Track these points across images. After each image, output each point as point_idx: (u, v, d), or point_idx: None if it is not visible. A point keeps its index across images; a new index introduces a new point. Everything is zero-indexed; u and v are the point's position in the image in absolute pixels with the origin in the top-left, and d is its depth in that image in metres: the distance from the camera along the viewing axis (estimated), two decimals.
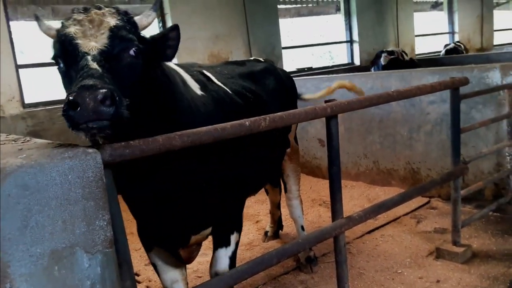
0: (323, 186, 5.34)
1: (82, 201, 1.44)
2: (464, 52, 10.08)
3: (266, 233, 4.16)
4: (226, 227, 2.50)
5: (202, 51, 6.51)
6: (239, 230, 2.58)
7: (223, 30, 6.75)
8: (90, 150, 1.48)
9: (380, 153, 5.17)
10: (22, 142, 1.81)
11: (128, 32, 1.81)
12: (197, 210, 2.27)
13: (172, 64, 2.67)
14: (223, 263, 2.49)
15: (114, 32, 1.76)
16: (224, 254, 2.50)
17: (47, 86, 6.75)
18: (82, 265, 1.45)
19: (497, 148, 3.90)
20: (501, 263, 3.31)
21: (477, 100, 4.15)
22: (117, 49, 1.74)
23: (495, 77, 4.08)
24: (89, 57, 1.64)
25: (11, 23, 5.15)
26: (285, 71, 3.92)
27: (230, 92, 2.63)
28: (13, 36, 4.98)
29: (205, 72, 2.67)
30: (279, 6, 7.85)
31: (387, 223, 4.21)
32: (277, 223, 4.18)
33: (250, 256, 3.73)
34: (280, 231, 4.21)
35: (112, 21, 1.80)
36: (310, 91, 5.08)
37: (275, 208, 4.14)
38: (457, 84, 3.12)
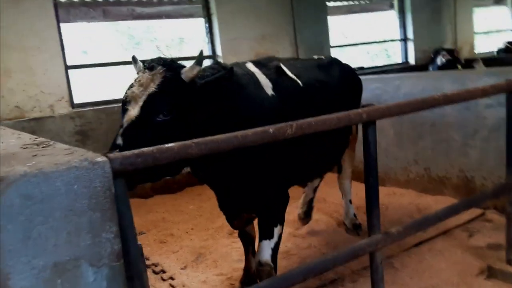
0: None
1: (88, 212, 1.38)
2: None
3: (298, 215, 4.33)
4: (270, 220, 2.82)
5: (247, 52, 6.42)
6: (282, 223, 2.88)
7: (270, 30, 6.64)
8: (99, 159, 1.42)
9: (432, 159, 4.85)
10: (43, 147, 1.79)
11: (164, 97, 2.21)
12: (242, 195, 2.80)
13: (249, 64, 3.11)
14: (266, 253, 2.78)
15: (149, 99, 2.20)
16: (267, 246, 2.79)
17: (95, 86, 6.96)
18: (87, 279, 1.39)
19: None
20: None
21: None
22: (148, 115, 2.19)
23: None
24: (124, 121, 2.22)
25: (63, 24, 5.30)
26: (349, 65, 4.13)
27: (301, 84, 3.11)
28: (63, 37, 5.12)
29: (281, 66, 3.11)
30: (328, 4, 7.61)
31: (437, 236, 3.93)
32: (308, 204, 4.32)
33: (286, 265, 3.59)
34: (311, 213, 4.35)
35: (153, 86, 2.23)
36: None
37: (312, 191, 4.34)
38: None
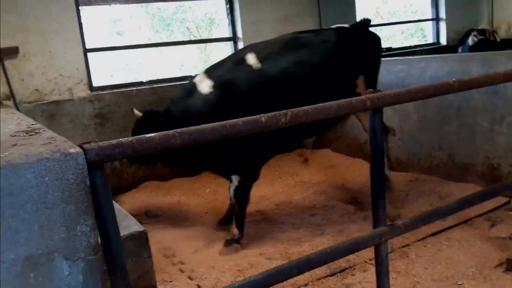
0: (392, 178, 4.92)
1: (61, 205, 1.35)
2: None
3: None
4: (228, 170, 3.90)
5: (270, 34, 6.23)
6: (239, 174, 3.85)
7: (293, 11, 6.43)
8: (72, 150, 1.37)
9: (456, 145, 4.64)
10: (30, 135, 1.77)
11: None
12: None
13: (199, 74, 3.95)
14: (230, 192, 3.90)
15: None
16: (231, 187, 3.89)
17: (114, 69, 7.01)
18: (62, 273, 1.37)
19: None
20: None
21: None
22: None
23: None
24: None
25: (84, 7, 5.30)
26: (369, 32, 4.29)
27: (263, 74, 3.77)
28: (82, 21, 5.12)
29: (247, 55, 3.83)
30: None
31: (456, 225, 3.77)
32: None
33: (297, 251, 3.54)
34: None
35: None
36: (381, 74, 4.69)
37: None
38: None
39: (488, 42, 7.15)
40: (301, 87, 3.81)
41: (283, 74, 3.80)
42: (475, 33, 7.34)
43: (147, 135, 1.51)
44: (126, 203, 4.97)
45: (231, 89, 3.77)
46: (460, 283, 2.92)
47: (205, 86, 3.83)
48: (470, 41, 7.28)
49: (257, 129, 1.71)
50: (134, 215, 4.54)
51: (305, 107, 1.85)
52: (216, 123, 1.64)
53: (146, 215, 4.63)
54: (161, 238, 4.03)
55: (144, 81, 5.67)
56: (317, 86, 3.85)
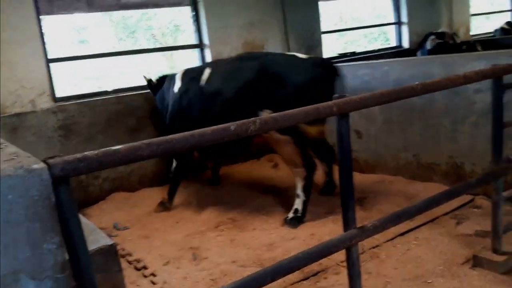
0: (360, 180, 5.02)
1: (26, 223, 1.30)
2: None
3: None
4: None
5: (236, 40, 6.29)
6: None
7: (258, 17, 6.47)
8: (36, 166, 1.33)
9: (421, 146, 4.77)
10: None
11: None
12: None
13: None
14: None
15: None
16: None
17: (78, 79, 6.86)
18: None
19: None
20: None
21: None
22: None
23: None
24: None
25: (44, 16, 5.18)
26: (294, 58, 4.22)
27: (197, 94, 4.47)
28: (43, 30, 4.99)
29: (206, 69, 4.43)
30: None
31: (423, 224, 3.86)
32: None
33: (270, 257, 3.54)
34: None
35: None
36: (347, 78, 4.77)
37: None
38: (498, 73, 2.73)
39: (447, 45, 7.38)
40: (222, 109, 4.20)
41: (212, 95, 4.27)
42: (433, 37, 7.56)
43: (113, 148, 1.48)
44: (93, 216, 4.87)
45: (184, 97, 4.55)
46: (430, 281, 2.99)
47: (176, 86, 4.74)
48: (429, 45, 7.50)
49: (226, 138, 1.71)
50: (102, 228, 4.52)
51: (274, 114, 1.86)
52: (185, 132, 1.62)
53: (114, 228, 4.54)
54: (131, 251, 3.96)
55: (109, 90, 5.57)
56: (230, 111, 4.12)
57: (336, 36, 11.29)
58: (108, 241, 2.86)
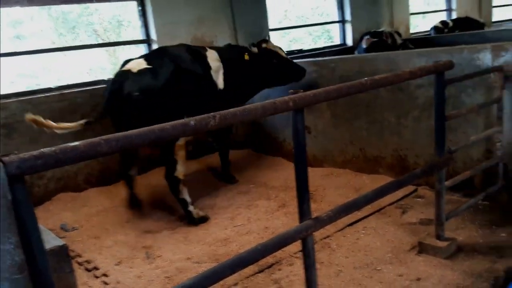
0: (309, 174, 5.13)
1: None
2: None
3: None
4: None
5: (184, 36, 6.20)
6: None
7: (207, 13, 6.44)
8: None
9: (367, 139, 4.96)
10: None
11: None
12: None
13: None
14: None
15: None
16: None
17: (14, 76, 6.54)
18: None
19: (485, 135, 3.69)
20: (486, 257, 3.14)
21: (466, 84, 3.92)
22: None
23: (485, 58, 3.85)
24: None
25: None
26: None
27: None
28: None
29: None
30: None
31: (371, 214, 4.03)
32: None
33: (224, 252, 3.56)
34: None
35: None
36: None
37: None
38: (440, 69, 2.90)
39: (383, 44, 7.66)
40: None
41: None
42: (367, 36, 7.82)
43: (71, 144, 1.44)
44: (39, 218, 4.54)
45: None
46: (379, 268, 3.13)
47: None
48: (364, 43, 7.76)
49: (186, 133, 1.71)
50: (50, 230, 4.35)
51: (233, 109, 1.88)
52: (145, 128, 1.61)
53: (62, 229, 4.38)
54: (81, 252, 3.85)
55: (53, 87, 5.35)
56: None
57: (282, 34, 11.48)
58: (59, 242, 2.79)
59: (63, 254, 2.76)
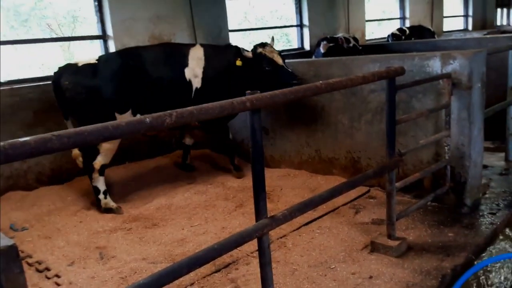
0: (266, 175, 5.17)
1: None
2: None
3: None
4: None
5: (142, 33, 6.14)
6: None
7: (165, 11, 6.38)
8: None
9: (322, 141, 5.06)
10: None
11: None
12: None
13: None
14: None
15: None
16: None
17: None
18: None
19: (434, 139, 3.85)
20: (434, 256, 3.28)
21: (417, 89, 4.08)
22: None
23: (435, 65, 4.01)
24: None
25: None
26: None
27: None
28: None
29: None
30: None
31: (326, 214, 4.12)
32: None
33: (180, 252, 3.54)
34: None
35: None
36: None
37: None
38: (392, 74, 3.01)
39: (340, 49, 7.85)
40: None
41: None
42: (324, 42, 7.98)
43: (21, 139, 1.40)
44: None
45: None
46: (333, 266, 3.21)
47: None
48: (322, 48, 7.92)
49: (141, 130, 1.70)
50: None
51: (190, 108, 1.88)
52: (98, 124, 1.58)
53: (11, 229, 4.21)
54: (31, 252, 3.72)
55: (2, 81, 5.14)
56: None
57: (241, 36, 11.52)
58: (8, 242, 2.68)
59: (12, 254, 2.67)
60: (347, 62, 4.75)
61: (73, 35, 7.44)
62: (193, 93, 4.84)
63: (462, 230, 3.65)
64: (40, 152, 1.43)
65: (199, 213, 4.34)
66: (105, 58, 4.64)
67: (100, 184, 4.51)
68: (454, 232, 3.62)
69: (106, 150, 4.49)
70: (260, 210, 2.31)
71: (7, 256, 2.64)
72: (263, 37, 11.83)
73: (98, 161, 4.49)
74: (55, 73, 4.54)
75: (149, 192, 4.97)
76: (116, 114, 4.49)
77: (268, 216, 2.33)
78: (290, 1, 9.08)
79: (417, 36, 10.48)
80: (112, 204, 4.52)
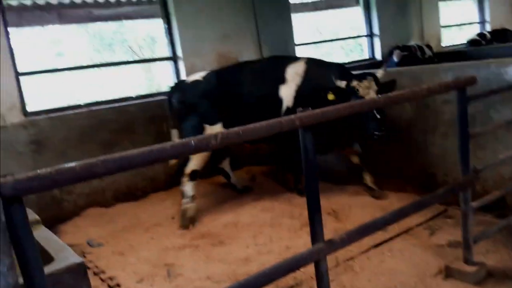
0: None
1: None
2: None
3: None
4: None
5: (210, 53, 6.29)
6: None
7: (231, 30, 6.50)
8: None
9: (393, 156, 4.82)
10: None
11: None
12: None
13: None
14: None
15: None
16: None
17: (49, 93, 6.76)
18: None
19: None
20: None
21: (495, 99, 3.76)
22: None
23: None
24: None
25: (15, 29, 5.11)
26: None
27: None
28: (12, 43, 4.91)
29: None
30: (291, 1, 7.49)
31: (397, 235, 3.88)
32: None
33: (244, 271, 3.50)
34: None
35: None
36: None
37: None
38: (461, 85, 2.78)
39: (414, 58, 7.49)
40: None
41: None
42: (397, 51, 7.67)
43: (67, 165, 1.45)
44: (68, 233, 4.77)
45: None
46: None
47: None
48: (395, 57, 7.61)
49: (186, 153, 1.69)
50: (77, 245, 4.42)
51: (235, 129, 1.85)
52: (144, 148, 1.60)
53: (88, 245, 4.45)
54: (105, 268, 3.88)
55: (82, 104, 5.50)
56: None
57: (313, 48, 11.45)
58: (77, 259, 2.79)
59: (81, 271, 2.78)
60: (417, 72, 4.51)
61: (153, 56, 7.84)
62: (282, 109, 4.69)
63: None
64: (85, 177, 1.47)
65: (264, 231, 4.29)
66: (207, 76, 4.94)
67: (187, 188, 4.71)
68: None
69: (197, 157, 4.60)
70: (316, 232, 2.21)
71: (75, 273, 2.75)
72: (336, 48, 11.70)
73: (189, 167, 4.63)
74: (170, 87, 5.15)
75: (217, 209, 5.01)
76: (206, 126, 4.73)
77: (325, 239, 2.22)
78: (358, 11, 8.86)
79: (500, 40, 9.76)
80: (191, 213, 4.67)
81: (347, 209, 4.59)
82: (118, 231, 4.70)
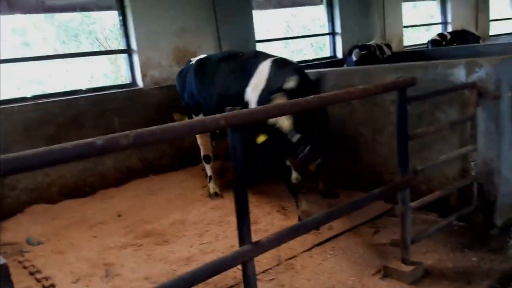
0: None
1: None
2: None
3: None
4: None
5: (166, 46, 6.15)
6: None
7: (190, 23, 6.36)
8: None
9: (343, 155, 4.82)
10: None
11: None
12: None
13: None
14: None
15: None
16: None
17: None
18: None
19: (458, 154, 3.55)
20: (453, 283, 2.99)
21: (441, 100, 3.79)
22: None
23: (460, 74, 3.70)
24: None
25: None
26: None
27: None
28: None
29: None
30: None
31: (342, 233, 3.88)
32: None
33: (184, 271, 3.38)
34: None
35: None
36: None
37: None
38: (400, 86, 2.77)
39: (373, 57, 7.56)
40: None
41: None
42: (357, 50, 7.73)
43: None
44: (8, 231, 4.57)
45: None
46: None
47: None
48: (354, 56, 7.66)
49: (92, 153, 1.59)
50: (16, 243, 4.25)
51: (152, 127, 1.76)
52: (41, 148, 1.50)
53: (28, 243, 4.27)
54: (41, 267, 3.74)
55: (28, 96, 5.28)
56: None
57: (283, 45, 11.43)
58: None
59: (3, 274, 2.65)
60: (369, 72, 4.51)
61: (120, 47, 7.62)
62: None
63: (489, 254, 3.31)
64: None
65: (211, 229, 4.22)
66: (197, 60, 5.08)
67: (207, 169, 5.22)
68: (479, 257, 3.29)
69: (200, 145, 5.18)
70: (243, 234, 2.16)
71: None
72: (306, 45, 11.72)
73: (202, 153, 5.20)
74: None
75: (166, 206, 4.91)
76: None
77: (252, 241, 2.17)
78: (321, 9, 8.88)
79: (459, 41, 9.96)
80: (212, 190, 5.12)
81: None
82: (61, 228, 4.53)
